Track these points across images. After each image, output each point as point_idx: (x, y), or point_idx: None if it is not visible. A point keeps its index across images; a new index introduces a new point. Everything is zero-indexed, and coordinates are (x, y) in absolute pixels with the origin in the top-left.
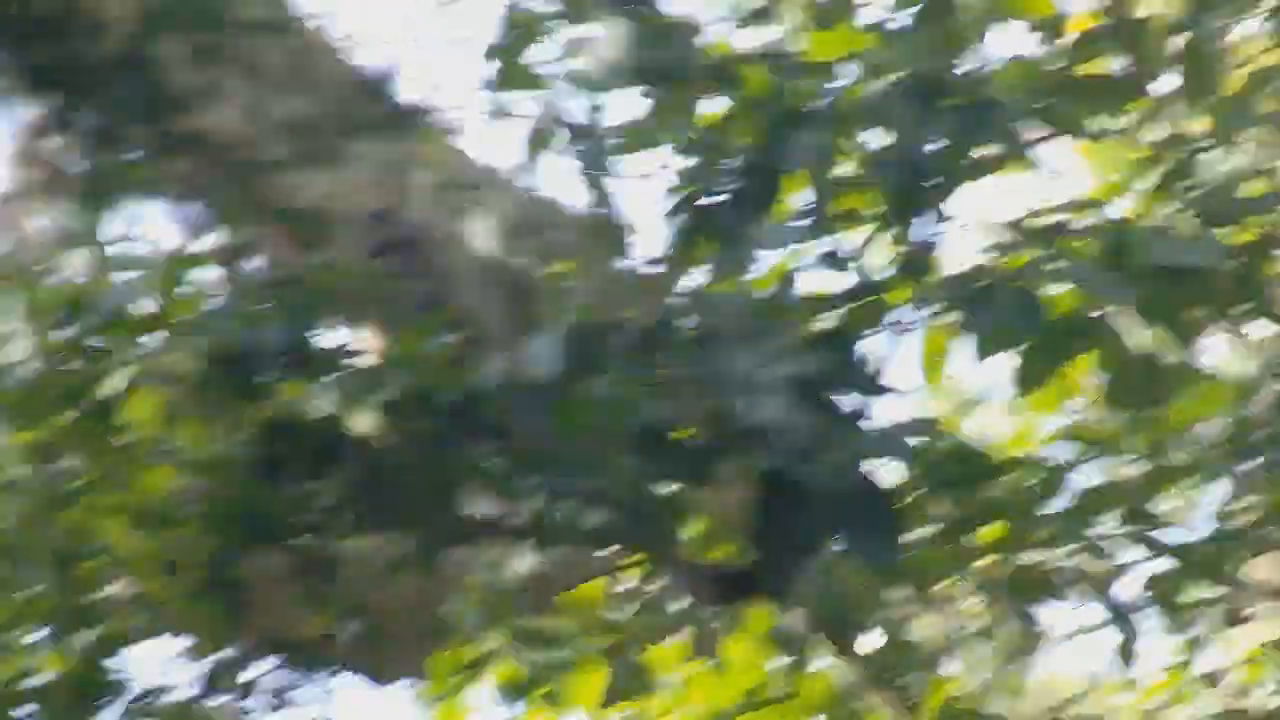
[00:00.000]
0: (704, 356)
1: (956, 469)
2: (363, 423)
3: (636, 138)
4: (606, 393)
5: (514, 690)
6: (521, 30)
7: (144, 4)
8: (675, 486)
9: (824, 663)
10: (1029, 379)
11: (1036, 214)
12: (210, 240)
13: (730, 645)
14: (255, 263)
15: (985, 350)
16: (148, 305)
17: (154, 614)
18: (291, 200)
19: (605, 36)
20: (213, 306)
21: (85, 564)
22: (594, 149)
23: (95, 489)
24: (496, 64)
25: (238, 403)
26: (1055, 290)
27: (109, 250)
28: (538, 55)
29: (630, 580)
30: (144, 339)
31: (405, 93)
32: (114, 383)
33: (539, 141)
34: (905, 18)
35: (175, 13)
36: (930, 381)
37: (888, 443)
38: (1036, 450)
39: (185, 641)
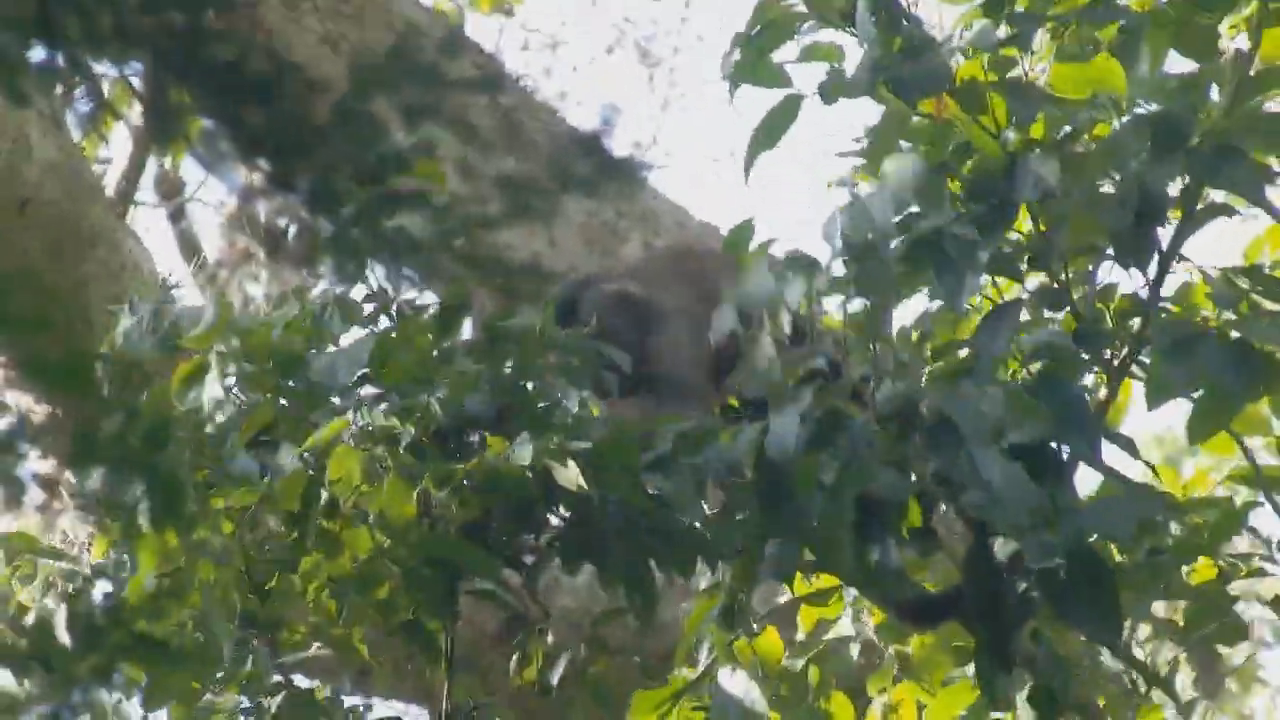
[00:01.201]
0: (948, 455)
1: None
2: (569, 477)
3: (877, 155)
4: (839, 472)
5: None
6: (771, 24)
7: (356, 63)
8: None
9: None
10: (1209, 421)
11: (1265, 265)
12: (420, 298)
13: (920, 689)
14: (469, 322)
15: (1157, 400)
16: (353, 369)
17: (359, 679)
18: (504, 258)
19: (859, 43)
20: (428, 369)
21: (287, 630)
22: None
23: (295, 553)
24: (738, 54)
25: (443, 463)
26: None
27: (322, 312)
28: (783, 52)
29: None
30: (347, 401)
31: (618, 148)
32: (318, 440)
33: (769, 138)
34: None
35: (387, 72)
36: (1111, 424)
37: (1115, 519)
38: (1213, 491)
39: (393, 705)
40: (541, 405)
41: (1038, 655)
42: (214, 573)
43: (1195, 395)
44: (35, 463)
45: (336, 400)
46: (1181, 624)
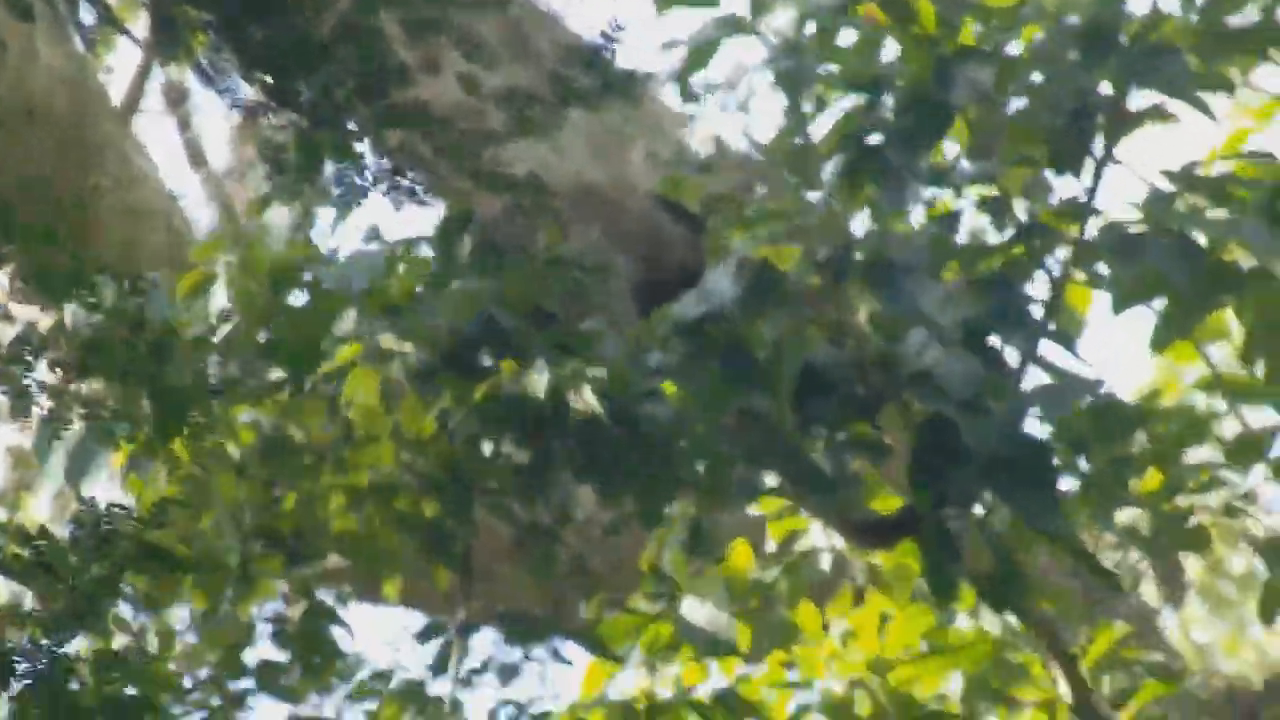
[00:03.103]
0: (888, 289)
1: (1102, 422)
2: (585, 403)
3: (824, 45)
4: (779, 331)
5: (666, 648)
6: None
7: None
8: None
9: (982, 615)
10: (1172, 329)
11: (1198, 164)
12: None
13: (889, 599)
14: (473, 236)
15: (1120, 305)
16: (366, 281)
17: (374, 586)
18: (507, 171)
19: None
20: (434, 287)
21: (307, 538)
22: (795, 68)
23: (316, 466)
24: None
25: (458, 382)
26: (1209, 239)
27: (320, 225)
28: None
29: (773, 543)
30: (360, 316)
31: (620, 60)
32: (336, 361)
33: (702, 57)
34: None
35: None
36: (1070, 331)
37: (1051, 401)
38: (1180, 399)
39: (408, 615)
40: (555, 329)
41: (985, 551)
42: (233, 485)
43: (1157, 304)
44: (42, 373)
45: (345, 322)
46: (1144, 533)
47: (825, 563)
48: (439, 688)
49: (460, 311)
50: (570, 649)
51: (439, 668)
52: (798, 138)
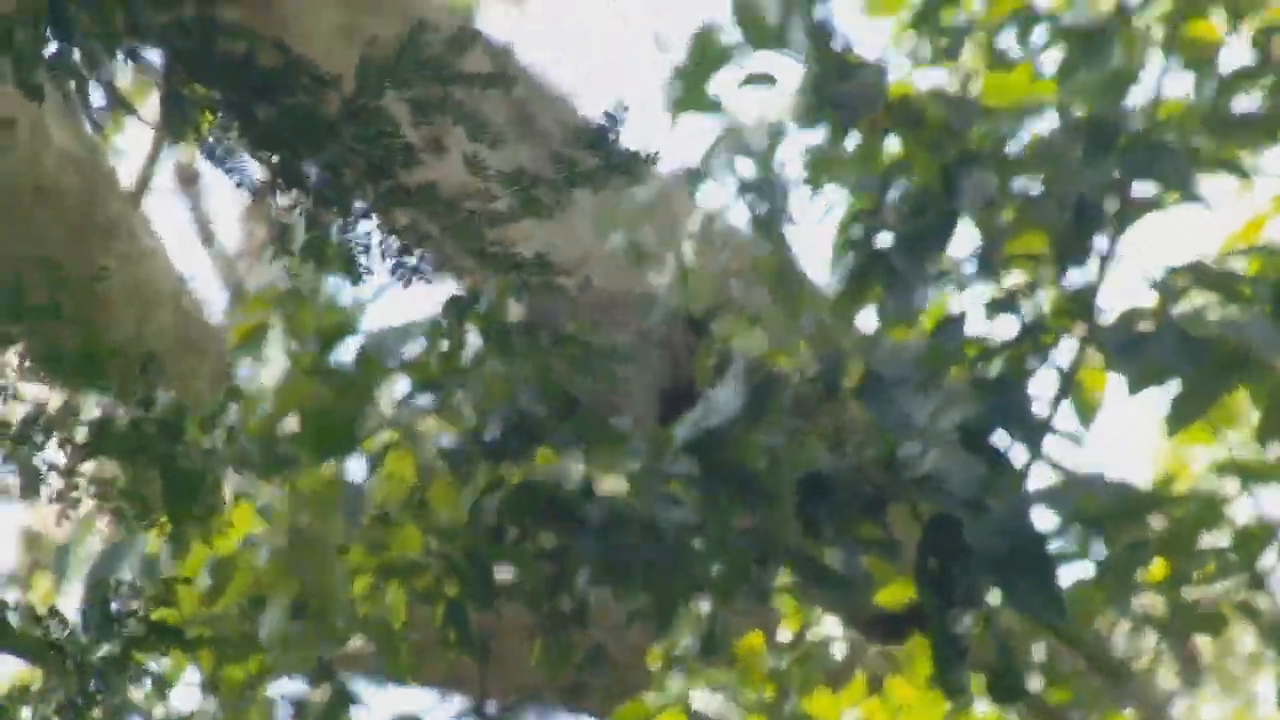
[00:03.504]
0: (877, 403)
1: (1118, 506)
2: (610, 485)
3: (818, 173)
4: (779, 441)
5: None
6: (706, 55)
7: (366, 59)
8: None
9: (989, 706)
10: (1183, 415)
11: (1204, 258)
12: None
13: (899, 689)
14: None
15: (1136, 387)
16: (401, 346)
17: (398, 669)
18: (514, 251)
19: (791, 69)
20: (469, 364)
21: (332, 620)
22: (771, 195)
23: (345, 546)
24: (679, 86)
25: (492, 468)
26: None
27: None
28: (720, 82)
29: (788, 631)
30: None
31: (626, 140)
32: (375, 443)
33: (704, 171)
34: (1072, 54)
35: (397, 67)
36: (1083, 421)
37: (1054, 498)
38: (1193, 485)
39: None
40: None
41: (993, 645)
42: (257, 565)
43: (1176, 387)
44: (52, 452)
45: (381, 394)
46: (1160, 617)
47: (839, 651)
48: None
49: (491, 397)
50: None
51: None
52: (782, 258)
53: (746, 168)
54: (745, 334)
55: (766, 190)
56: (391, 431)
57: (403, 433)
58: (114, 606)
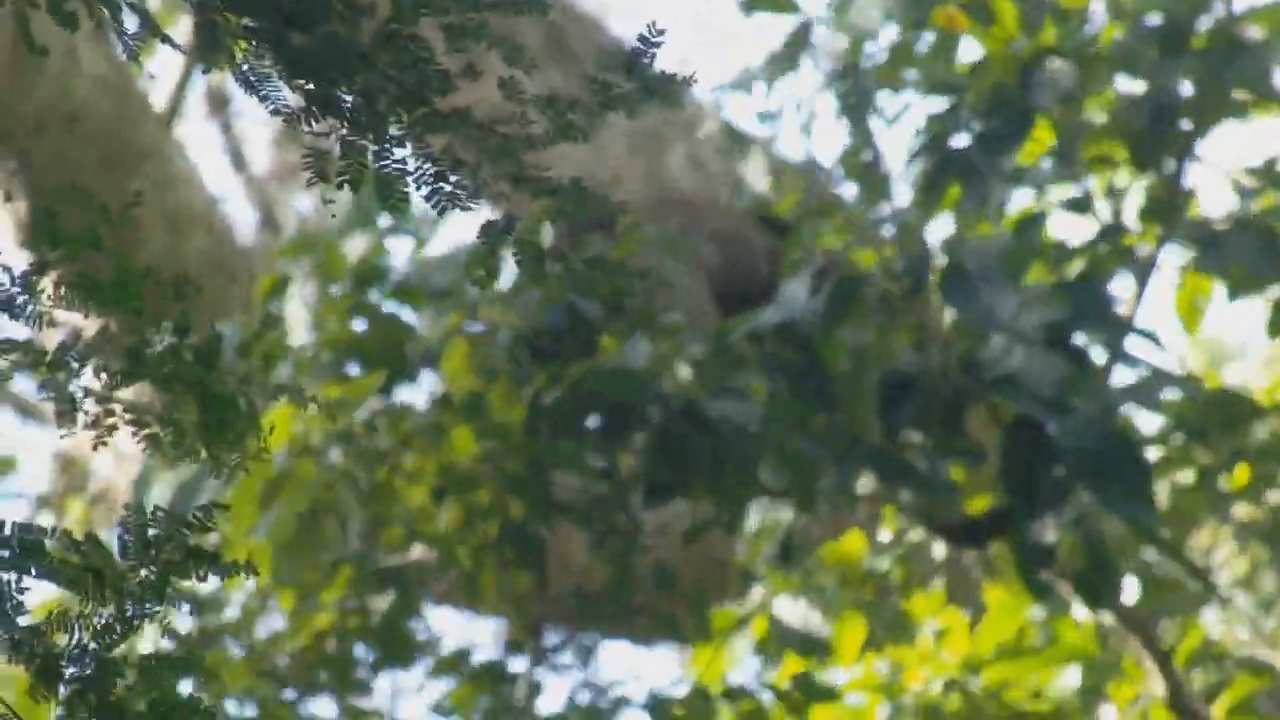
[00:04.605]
0: (961, 298)
1: (1215, 416)
2: (676, 379)
3: (890, 73)
4: (861, 339)
5: (775, 642)
6: None
7: None
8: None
9: (1079, 611)
10: None
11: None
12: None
13: (989, 594)
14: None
15: (1235, 293)
16: (444, 279)
17: (454, 579)
18: (548, 175)
19: None
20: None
21: (390, 530)
22: (856, 87)
23: (400, 454)
24: None
25: (552, 364)
26: None
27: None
28: None
29: (888, 532)
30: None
31: (660, 62)
32: (429, 339)
33: (784, 65)
34: None
35: None
36: (1188, 328)
37: (1139, 395)
38: None
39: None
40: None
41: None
42: (314, 473)
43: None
44: (87, 379)
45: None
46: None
47: (939, 551)
48: (517, 666)
49: (545, 301)
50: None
51: (516, 647)
52: (865, 153)
53: (827, 61)
54: (830, 235)
55: (854, 78)
56: (452, 319)
57: (462, 328)
58: (151, 532)
